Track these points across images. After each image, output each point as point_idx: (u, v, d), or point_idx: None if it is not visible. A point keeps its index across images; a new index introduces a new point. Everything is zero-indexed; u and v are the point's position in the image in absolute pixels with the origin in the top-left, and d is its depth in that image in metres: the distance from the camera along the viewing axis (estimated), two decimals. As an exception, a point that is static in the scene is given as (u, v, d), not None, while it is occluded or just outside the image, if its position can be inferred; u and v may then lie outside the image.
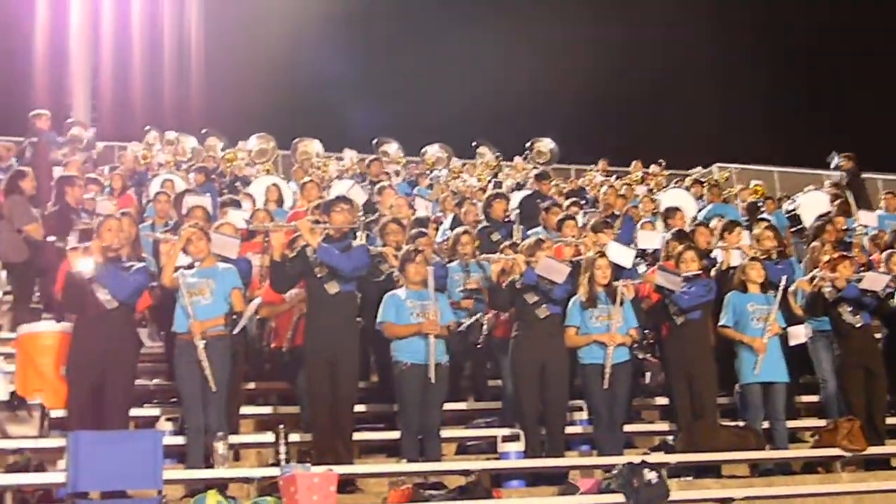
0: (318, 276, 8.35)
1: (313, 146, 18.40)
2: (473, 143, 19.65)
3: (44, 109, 16.64)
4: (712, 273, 10.34)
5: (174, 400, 8.92)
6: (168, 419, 8.85)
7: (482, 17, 27.17)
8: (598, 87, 26.49)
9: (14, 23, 24.59)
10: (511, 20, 27.53)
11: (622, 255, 9.73)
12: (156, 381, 10.02)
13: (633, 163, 19.44)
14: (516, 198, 13.47)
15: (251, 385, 9.85)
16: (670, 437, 9.60)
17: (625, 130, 26.56)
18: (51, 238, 10.59)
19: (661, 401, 10.27)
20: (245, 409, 9.35)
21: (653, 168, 19.24)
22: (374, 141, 19.17)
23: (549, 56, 26.19)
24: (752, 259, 9.93)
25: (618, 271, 9.44)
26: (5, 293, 11.37)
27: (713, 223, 11.65)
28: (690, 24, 27.64)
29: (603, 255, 9.31)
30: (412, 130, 20.50)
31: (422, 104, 25.42)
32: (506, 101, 26.39)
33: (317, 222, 8.77)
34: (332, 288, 8.33)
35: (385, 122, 21.81)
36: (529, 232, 11.63)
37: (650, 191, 16.85)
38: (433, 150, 19.09)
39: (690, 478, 9.01)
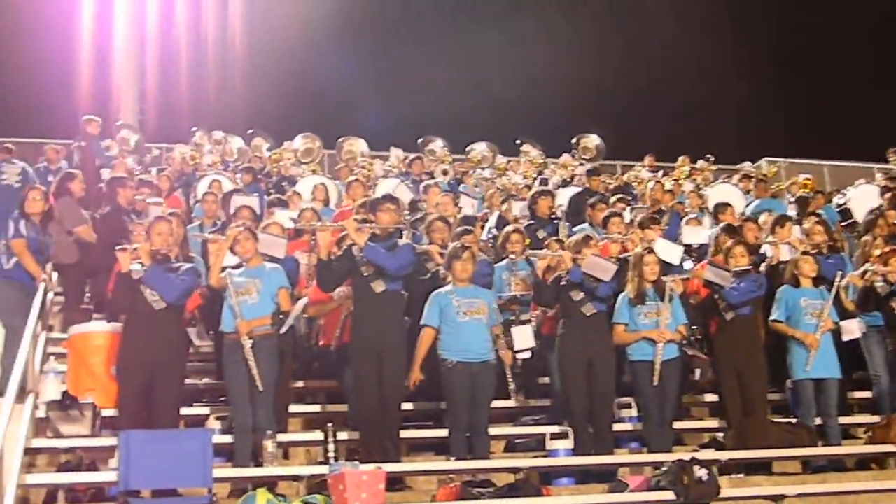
0: (365, 274, 8.41)
1: (359, 145, 18.49)
2: (518, 141, 19.61)
3: (94, 115, 16.85)
4: (762, 268, 10.24)
5: (223, 399, 8.99)
6: (217, 418, 8.92)
7: (519, 12, 27.19)
8: (643, 81, 26.45)
9: (60, 27, 24.91)
10: (549, 15, 27.54)
11: (670, 252, 9.67)
12: (205, 380, 10.09)
13: (680, 158, 19.30)
14: (565, 195, 13.41)
15: (299, 383, 9.90)
16: (720, 434, 9.55)
17: (671, 125, 26.43)
18: (103, 239, 10.69)
19: (711, 397, 10.19)
20: (293, 408, 9.40)
21: (700, 163, 19.09)
22: (420, 140, 19.21)
23: (591, 50, 26.16)
24: (804, 253, 9.83)
25: (666, 268, 9.39)
26: (56, 294, 11.50)
27: (762, 218, 11.54)
28: (739, 17, 27.46)
29: (651, 251, 9.27)
30: (455, 127, 20.56)
31: (458, 101, 25.58)
32: (547, 97, 26.41)
33: (363, 221, 8.80)
34: (379, 286, 8.38)
35: (419, 121, 21.87)
36: (575, 228, 11.60)
37: (697, 186, 16.71)
38: (479, 148, 19.09)
39: (741, 475, 8.92)
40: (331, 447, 8.05)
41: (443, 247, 9.40)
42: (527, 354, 9.46)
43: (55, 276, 11.10)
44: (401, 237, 9.38)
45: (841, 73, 26.89)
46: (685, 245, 10.86)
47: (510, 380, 9.08)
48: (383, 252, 8.39)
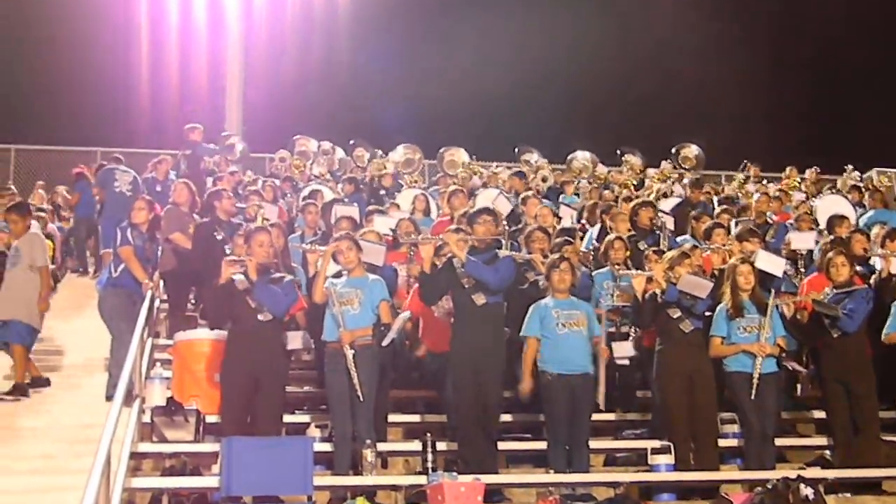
0: (466, 287, 8.42)
1: (460, 155, 18.54)
2: (619, 151, 19.49)
3: (198, 123, 17.20)
4: (871, 281, 10.02)
5: (324, 407, 9.08)
6: (318, 426, 9.00)
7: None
8: (747, 89, 26.15)
9: (166, 39, 25.54)
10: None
11: (772, 264, 9.52)
12: (306, 388, 10.21)
13: (787, 169, 18.95)
14: (666, 206, 13.26)
15: (399, 393, 9.95)
16: (827, 452, 9.34)
17: (774, 135, 26.12)
18: (197, 248, 10.91)
19: (818, 414, 9.98)
20: (393, 417, 9.45)
21: (808, 173, 18.72)
22: (516, 149, 19.21)
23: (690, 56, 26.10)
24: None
25: (768, 281, 9.24)
26: (162, 301, 11.75)
27: (874, 230, 11.27)
28: (848, 24, 27.05)
29: (745, 260, 9.14)
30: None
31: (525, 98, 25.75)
32: (650, 103, 26.36)
33: (458, 230, 8.84)
34: (480, 299, 8.40)
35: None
36: (678, 239, 11.48)
37: (806, 197, 16.40)
38: (581, 157, 19.01)
39: (849, 494, 8.71)
40: (429, 457, 8.08)
41: (543, 257, 9.38)
42: (625, 360, 9.43)
43: (161, 283, 11.33)
44: (500, 248, 9.38)
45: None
46: (791, 251, 10.68)
47: (600, 385, 8.93)
48: (484, 266, 8.38)
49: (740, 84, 27.88)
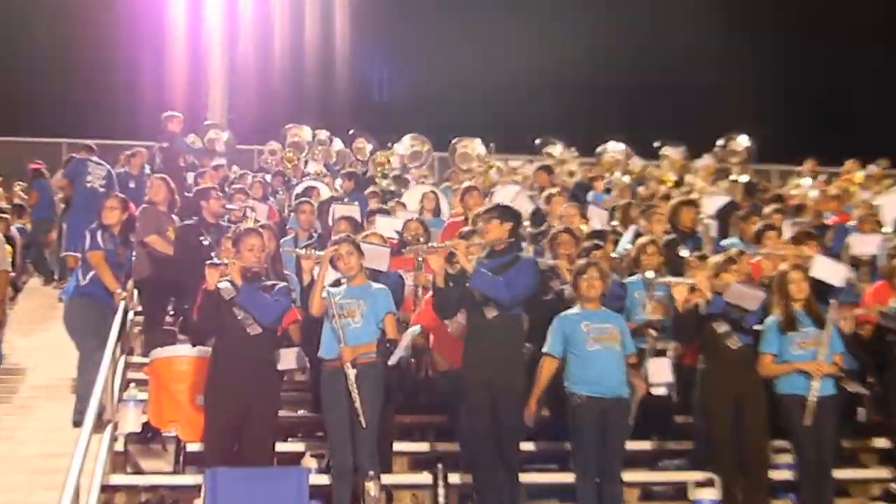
0: (478, 299, 8.36)
1: (475, 146, 18.51)
2: (657, 144, 19.48)
3: (176, 111, 17.22)
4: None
5: (321, 434, 9.07)
6: (313, 455, 9.01)
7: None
8: (807, 78, 26.28)
9: (141, 16, 25.63)
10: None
11: (831, 271, 9.49)
12: (301, 412, 10.21)
13: (848, 162, 18.88)
14: (710, 205, 13.24)
15: (406, 418, 9.95)
16: (893, 485, 9.35)
17: (832, 124, 26.15)
18: (182, 254, 10.91)
19: (882, 442, 9.96)
20: (399, 445, 9.44)
21: (871, 168, 18.66)
22: (538, 141, 19.20)
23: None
24: None
25: (826, 290, 9.22)
26: (137, 314, 11.76)
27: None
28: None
29: (797, 266, 9.11)
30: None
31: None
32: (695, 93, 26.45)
33: (472, 233, 8.82)
34: (490, 312, 8.33)
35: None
36: (725, 243, 11.45)
37: (870, 196, 16.34)
38: (612, 150, 18.99)
39: (918, 533, 8.71)
40: (441, 491, 8.10)
41: (570, 263, 9.37)
42: (663, 391, 9.36)
43: (136, 293, 11.35)
44: (520, 251, 9.33)
45: None
46: (852, 256, 10.66)
47: (631, 409, 8.88)
48: (493, 280, 8.24)
49: (795, 70, 27.99)
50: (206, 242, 10.60)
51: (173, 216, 11.87)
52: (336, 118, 23.31)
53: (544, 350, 8.55)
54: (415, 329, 9.18)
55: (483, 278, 8.24)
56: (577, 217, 12.03)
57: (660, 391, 9.33)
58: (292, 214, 13.27)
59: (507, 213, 8.69)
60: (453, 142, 18.67)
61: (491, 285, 8.24)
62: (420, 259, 10.23)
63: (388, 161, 17.67)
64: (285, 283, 8.82)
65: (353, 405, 8.04)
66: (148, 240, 11.15)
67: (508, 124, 23.09)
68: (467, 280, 8.28)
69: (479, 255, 8.47)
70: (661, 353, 9.54)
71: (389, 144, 18.74)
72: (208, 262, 8.39)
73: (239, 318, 8.27)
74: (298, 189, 14.91)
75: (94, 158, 15.10)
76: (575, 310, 8.66)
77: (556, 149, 19.21)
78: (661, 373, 9.32)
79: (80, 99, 25.57)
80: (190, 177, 16.12)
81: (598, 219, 13.10)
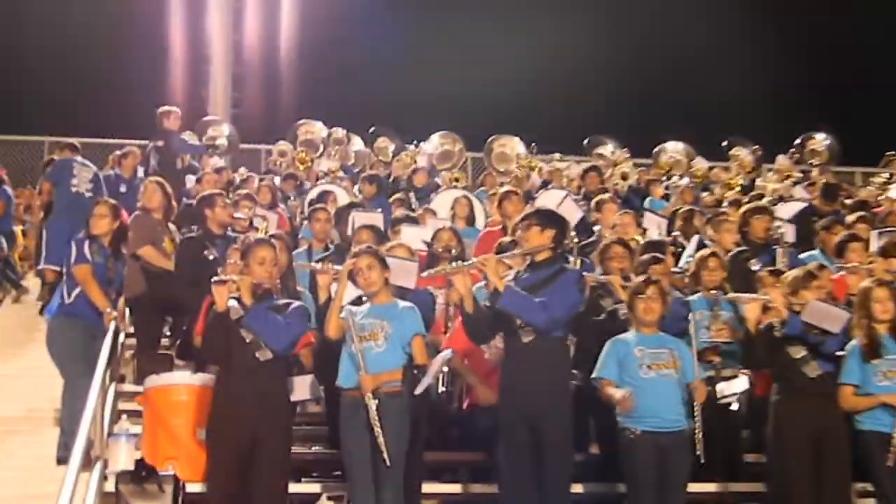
0: (516, 322, 8.35)
1: (514, 146, 18.58)
2: (724, 143, 19.50)
3: (173, 106, 17.33)
4: None
5: (338, 473, 9.14)
6: (330, 498, 9.07)
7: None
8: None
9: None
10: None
11: None
12: (316, 448, 10.28)
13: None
14: (786, 212, 13.25)
15: (436, 456, 9.98)
16: None
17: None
18: (183, 268, 10.99)
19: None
20: (427, 487, 9.44)
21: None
22: (587, 141, 19.26)
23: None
24: None
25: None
26: (129, 336, 11.85)
27: None
28: None
29: (882, 283, 9.11)
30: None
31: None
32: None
33: (513, 244, 8.84)
34: (528, 335, 8.30)
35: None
36: (803, 256, 11.47)
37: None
38: (672, 150, 19.02)
39: None
40: (475, 538, 8.13)
41: (624, 279, 9.42)
42: (732, 399, 9.41)
43: (127, 312, 11.44)
44: (567, 262, 9.38)
45: None
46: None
47: (697, 435, 8.76)
48: (528, 300, 8.18)
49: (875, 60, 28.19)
50: (210, 257, 10.62)
51: (169, 225, 11.96)
52: (355, 114, 23.35)
53: (599, 374, 8.60)
54: (446, 354, 9.06)
55: (514, 298, 8.19)
56: (632, 226, 12.09)
57: (730, 402, 9.37)
58: (305, 223, 13.32)
59: (549, 218, 8.62)
60: (489, 140, 18.74)
61: (523, 306, 8.19)
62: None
63: (415, 162, 17.73)
64: (300, 303, 8.82)
65: (376, 440, 8.07)
66: (142, 252, 11.24)
67: (551, 122, 23.16)
68: (497, 300, 8.24)
69: (520, 266, 8.52)
70: (727, 378, 9.57)
71: (415, 143, 18.84)
72: (214, 279, 8.37)
73: (248, 341, 8.27)
74: (312, 194, 15.02)
75: (79, 159, 15.23)
76: (630, 333, 8.72)
77: (608, 149, 19.29)
78: (732, 388, 9.34)
79: (64, 92, 25.75)
80: (190, 180, 16.24)
81: (655, 228, 13.15)
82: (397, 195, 15.72)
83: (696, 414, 8.49)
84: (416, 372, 8.42)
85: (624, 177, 17.60)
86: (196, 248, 10.85)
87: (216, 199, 11.31)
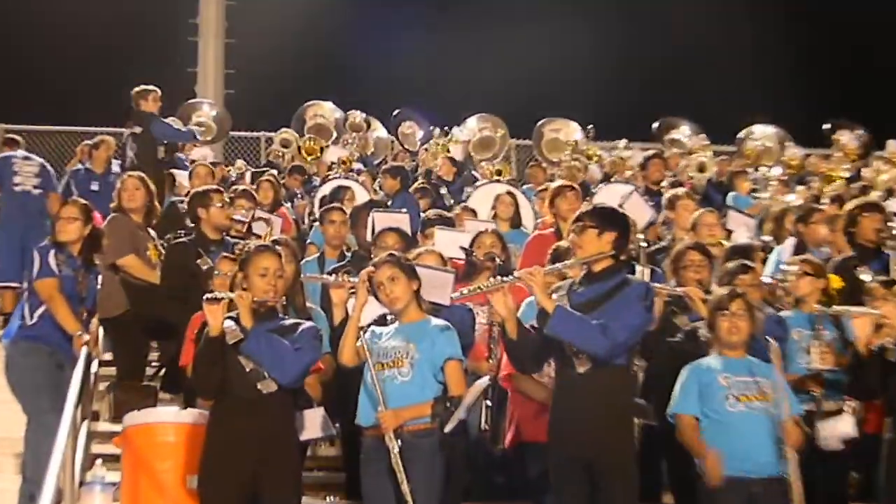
0: (571, 349, 8.24)
1: (569, 131, 18.55)
2: (826, 126, 19.45)
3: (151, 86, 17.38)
4: None
5: (356, 528, 9.16)
6: (348, 557, 9.11)
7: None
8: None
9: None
10: None
11: None
12: (330, 499, 10.30)
13: None
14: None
15: (475, 508, 10.01)
16: None
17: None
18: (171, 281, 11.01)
19: None
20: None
21: None
22: (656, 125, 19.22)
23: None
24: None
25: None
26: (104, 364, 11.86)
27: None
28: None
29: None
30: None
31: None
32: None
33: (569, 250, 8.81)
34: (583, 364, 8.21)
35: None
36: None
37: None
38: (760, 135, 18.96)
39: None
40: None
41: (704, 291, 9.39)
42: (836, 441, 9.39)
43: (101, 336, 11.46)
44: (631, 272, 9.36)
45: None
46: None
47: (793, 482, 8.73)
48: (582, 323, 8.07)
49: None
50: (205, 267, 10.62)
51: (149, 230, 11.96)
52: (374, 95, 23.40)
53: (673, 409, 8.58)
54: (482, 381, 8.83)
55: (566, 321, 8.09)
56: (715, 227, 12.04)
57: (833, 445, 9.34)
58: (316, 225, 13.36)
59: (609, 219, 8.46)
60: (539, 124, 18.70)
61: (578, 330, 8.09)
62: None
63: (447, 151, 17.71)
64: (311, 323, 8.76)
65: (400, 488, 8.06)
66: (123, 262, 11.27)
67: (608, 108, 23.25)
68: (546, 323, 8.15)
69: (576, 277, 8.48)
70: (833, 414, 9.54)
71: (447, 129, 18.84)
72: (208, 296, 8.31)
73: (248, 370, 8.25)
74: (324, 190, 15.03)
75: (20, 153, 15.31)
76: (712, 358, 8.71)
77: (683, 132, 19.20)
78: (837, 429, 9.32)
79: (13, 70, 25.88)
80: (179, 175, 16.28)
81: (742, 229, 13.11)
82: (419, 184, 15.73)
83: (790, 457, 8.47)
84: (449, 405, 8.31)
85: (701, 168, 17.53)
86: (187, 255, 10.85)
87: (212, 197, 11.32)
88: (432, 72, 27.16)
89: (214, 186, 12.55)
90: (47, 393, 9.85)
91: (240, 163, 18.81)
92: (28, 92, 24.99)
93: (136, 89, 17.30)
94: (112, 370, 11.84)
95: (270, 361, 8.26)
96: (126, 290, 11.25)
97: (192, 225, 11.60)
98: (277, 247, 8.94)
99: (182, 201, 13.21)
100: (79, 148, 17.14)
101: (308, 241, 13.50)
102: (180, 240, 11.33)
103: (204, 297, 8.32)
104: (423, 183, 16.48)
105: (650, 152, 17.36)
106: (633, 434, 8.58)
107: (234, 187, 15.05)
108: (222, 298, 8.27)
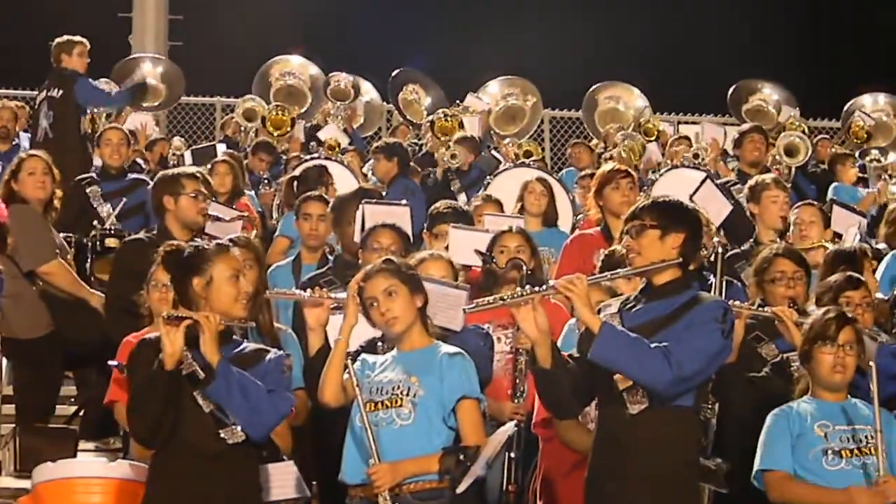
0: (620, 388, 8.15)
1: (631, 98, 18.56)
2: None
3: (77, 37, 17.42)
4: None
5: None
6: None
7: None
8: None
9: None
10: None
11: None
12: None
13: None
14: None
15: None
16: None
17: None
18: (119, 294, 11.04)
19: None
20: None
21: None
22: (733, 90, 19.27)
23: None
24: None
25: None
26: (6, 400, 11.90)
27: None
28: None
29: None
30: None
31: None
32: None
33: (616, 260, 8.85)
34: (637, 404, 8.09)
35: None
36: None
37: None
38: (872, 107, 19.01)
39: None
40: None
41: (798, 312, 9.38)
42: None
43: (3, 363, 11.51)
44: (705, 285, 9.38)
45: None
46: None
47: None
48: (641, 347, 7.94)
49: None
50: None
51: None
52: (362, 55, 23.51)
53: (767, 465, 8.54)
54: (507, 428, 8.76)
55: (617, 344, 7.96)
56: (815, 226, 12.03)
57: None
58: (286, 220, 13.37)
59: (675, 216, 8.32)
60: (591, 91, 18.70)
61: (632, 356, 7.95)
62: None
63: (460, 125, 17.69)
64: (278, 353, 8.58)
65: (399, 568, 8.11)
66: (45, 270, 11.28)
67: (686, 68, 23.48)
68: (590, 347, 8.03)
69: (631, 292, 8.46)
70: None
71: (457, 101, 18.87)
72: (168, 314, 8.07)
73: (206, 411, 8.13)
74: (298, 172, 15.02)
75: None
76: (805, 401, 8.71)
77: (768, 97, 19.19)
78: None
79: None
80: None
81: (851, 231, 13.07)
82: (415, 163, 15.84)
83: None
84: (462, 458, 8.26)
85: (789, 152, 17.40)
86: (144, 259, 10.70)
87: (185, 184, 11.20)
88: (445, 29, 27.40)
89: (190, 170, 12.19)
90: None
91: (177, 141, 18.76)
92: None
93: (58, 40, 17.31)
94: (14, 408, 11.84)
95: (246, 415, 8.07)
96: (49, 305, 11.24)
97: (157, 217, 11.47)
98: (236, 247, 8.77)
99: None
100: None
101: (276, 233, 13.52)
102: (135, 237, 11.31)
103: (163, 316, 8.08)
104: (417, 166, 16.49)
105: (746, 126, 17.26)
106: (700, 496, 8.60)
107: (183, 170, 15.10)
108: (185, 319, 8.01)
